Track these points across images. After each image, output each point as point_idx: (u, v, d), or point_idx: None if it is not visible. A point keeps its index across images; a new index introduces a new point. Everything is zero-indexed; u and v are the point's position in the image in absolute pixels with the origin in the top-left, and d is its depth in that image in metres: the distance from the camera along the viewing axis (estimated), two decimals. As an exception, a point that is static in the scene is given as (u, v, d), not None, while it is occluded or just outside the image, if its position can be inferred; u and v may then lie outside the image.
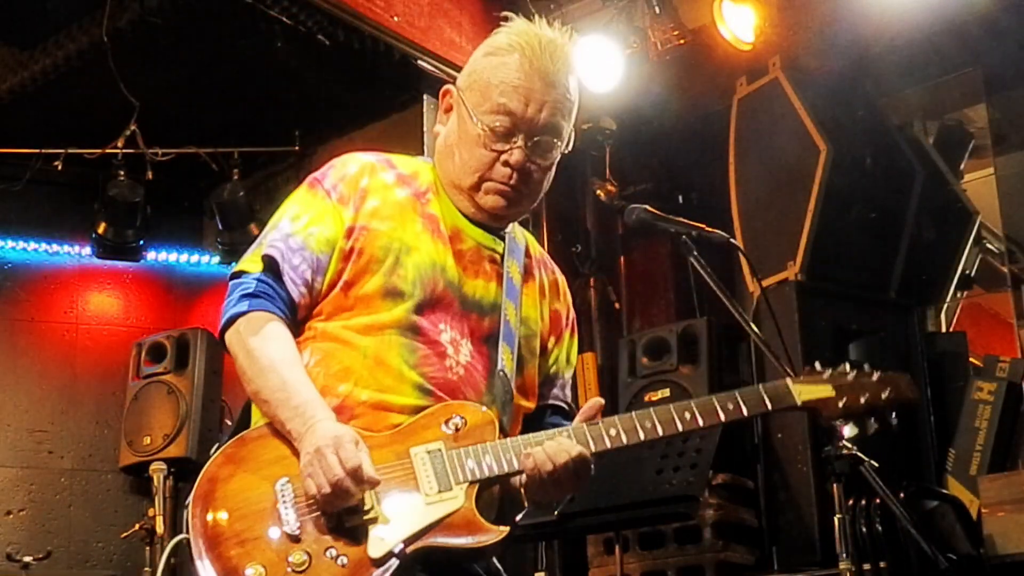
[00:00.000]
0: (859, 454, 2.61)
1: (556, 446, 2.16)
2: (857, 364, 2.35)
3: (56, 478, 6.50)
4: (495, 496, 2.26)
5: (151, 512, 5.53)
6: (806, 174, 5.27)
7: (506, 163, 2.27)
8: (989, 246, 6.35)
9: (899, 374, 2.35)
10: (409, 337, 2.23)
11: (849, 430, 2.34)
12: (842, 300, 5.29)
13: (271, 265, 2.27)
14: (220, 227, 6.58)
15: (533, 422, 2.39)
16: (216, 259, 6.91)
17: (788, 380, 2.29)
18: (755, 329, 2.61)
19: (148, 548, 5.53)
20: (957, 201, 6.09)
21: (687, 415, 2.22)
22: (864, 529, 4.31)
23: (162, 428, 6.14)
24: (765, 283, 5.19)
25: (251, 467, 2.16)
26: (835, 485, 2.90)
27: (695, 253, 2.50)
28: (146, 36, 5.34)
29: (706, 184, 6.13)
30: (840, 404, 2.28)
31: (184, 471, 6.10)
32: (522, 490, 2.21)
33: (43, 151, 6.14)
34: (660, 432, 2.22)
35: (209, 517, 2.11)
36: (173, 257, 6.99)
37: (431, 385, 2.23)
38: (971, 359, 5.57)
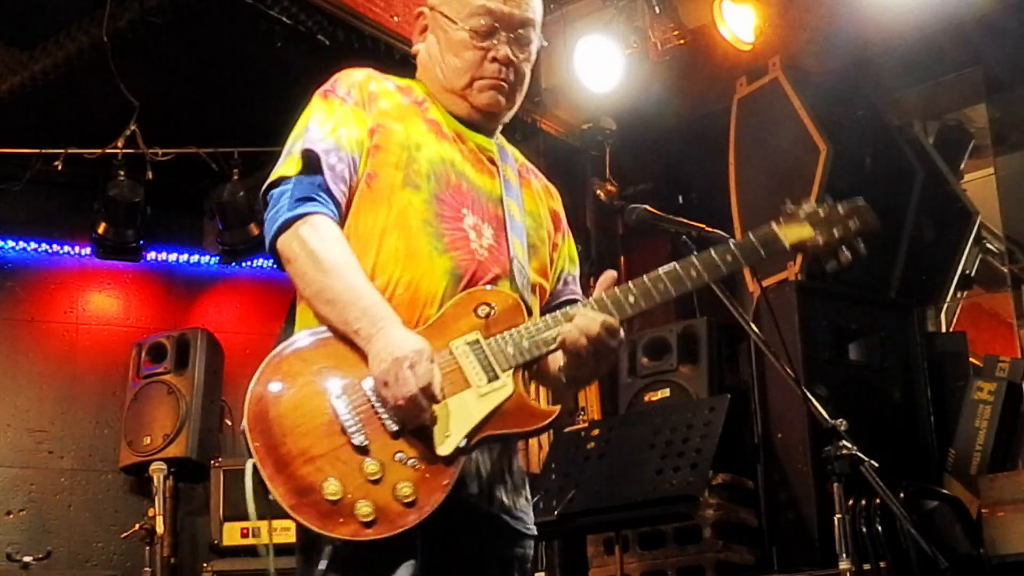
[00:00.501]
0: (859, 454, 2.61)
1: (585, 320, 2.24)
2: (826, 201, 2.45)
3: (56, 478, 6.50)
4: (537, 376, 2.37)
5: (151, 512, 5.53)
6: (806, 174, 5.27)
7: (494, 59, 2.41)
8: (989, 246, 6.35)
9: (860, 203, 2.45)
10: (435, 224, 2.31)
11: (830, 266, 2.43)
12: (842, 300, 5.28)
13: (311, 165, 2.31)
14: (220, 227, 6.59)
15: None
16: (216, 259, 6.92)
17: (773, 225, 2.41)
18: (755, 329, 2.62)
19: (148, 548, 5.52)
20: (957, 201, 6.09)
21: (692, 272, 2.33)
22: (864, 529, 4.31)
23: (162, 428, 6.14)
24: (765, 283, 5.19)
25: (300, 381, 2.17)
26: (835, 485, 2.90)
27: (695, 253, 2.51)
28: (146, 36, 5.34)
29: (706, 184, 6.12)
30: (820, 241, 2.40)
31: (184, 471, 6.12)
32: (561, 369, 2.31)
33: (43, 151, 6.15)
34: (672, 291, 2.31)
35: (270, 440, 2.11)
36: (173, 257, 7.00)
37: (461, 268, 2.29)
38: (971, 359, 5.57)
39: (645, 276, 2.32)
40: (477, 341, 2.24)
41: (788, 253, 2.42)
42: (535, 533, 2.40)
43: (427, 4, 2.50)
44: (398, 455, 2.12)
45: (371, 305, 2.20)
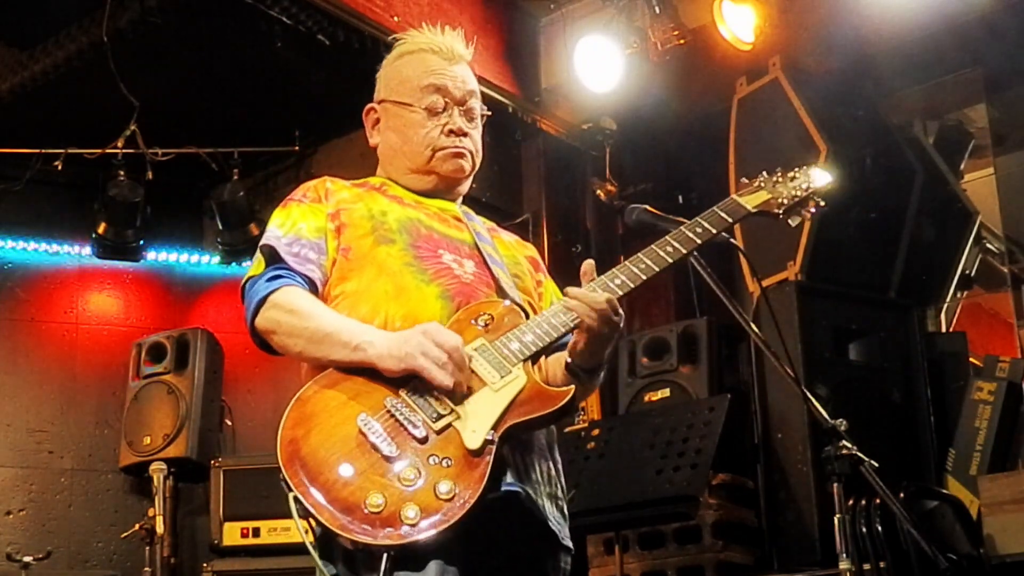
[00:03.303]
0: (859, 454, 2.61)
1: (588, 297, 2.37)
2: (776, 169, 2.71)
3: (56, 478, 6.50)
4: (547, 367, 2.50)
5: (151, 512, 5.53)
6: (806, 174, 5.27)
7: (451, 131, 2.61)
8: (989, 246, 6.35)
9: (810, 167, 2.72)
10: (416, 265, 2.47)
11: (792, 221, 2.67)
12: (842, 300, 5.29)
13: (272, 257, 2.48)
14: (220, 227, 6.59)
15: None
16: (216, 259, 6.92)
17: (734, 196, 2.64)
18: (755, 329, 2.62)
19: (148, 548, 5.52)
20: (957, 201, 6.10)
21: (669, 248, 2.51)
22: (864, 529, 4.31)
23: (162, 428, 6.14)
24: (765, 283, 5.20)
25: (324, 417, 2.27)
26: (835, 485, 2.89)
27: (695, 253, 2.52)
28: (146, 36, 5.34)
29: (706, 184, 6.13)
30: (779, 202, 2.65)
31: (184, 471, 6.11)
32: (567, 355, 2.43)
33: (43, 151, 6.15)
34: (655, 268, 2.48)
35: (307, 473, 2.19)
36: (173, 257, 6.99)
37: (451, 291, 2.45)
38: (971, 359, 5.57)
39: (627, 260, 2.47)
40: (483, 345, 2.36)
41: (752, 215, 2.62)
42: (570, 546, 2.45)
43: (375, 101, 2.71)
44: (431, 458, 2.21)
45: (360, 323, 2.36)
